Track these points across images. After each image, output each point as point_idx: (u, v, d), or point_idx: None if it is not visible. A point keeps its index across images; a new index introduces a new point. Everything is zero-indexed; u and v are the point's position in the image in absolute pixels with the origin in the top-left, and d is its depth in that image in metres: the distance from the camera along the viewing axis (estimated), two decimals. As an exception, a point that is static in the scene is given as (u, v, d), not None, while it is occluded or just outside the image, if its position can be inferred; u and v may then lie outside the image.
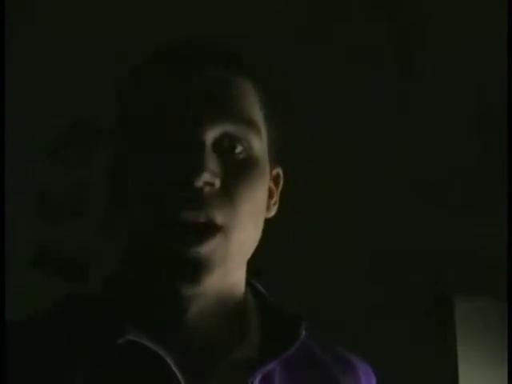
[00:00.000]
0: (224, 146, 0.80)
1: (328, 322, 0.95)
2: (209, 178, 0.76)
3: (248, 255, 0.85)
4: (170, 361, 0.78)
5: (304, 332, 0.85)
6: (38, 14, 1.99)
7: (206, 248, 0.77)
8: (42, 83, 1.93)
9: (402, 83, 1.94)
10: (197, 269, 0.77)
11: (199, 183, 0.76)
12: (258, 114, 0.84)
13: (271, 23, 1.93)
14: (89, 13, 1.97)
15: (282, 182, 0.92)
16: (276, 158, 0.89)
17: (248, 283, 0.89)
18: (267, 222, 0.88)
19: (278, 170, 0.91)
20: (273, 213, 0.90)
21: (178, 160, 0.77)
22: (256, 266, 0.88)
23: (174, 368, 0.78)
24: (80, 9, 1.97)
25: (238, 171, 0.80)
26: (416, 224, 1.87)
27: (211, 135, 0.79)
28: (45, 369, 0.78)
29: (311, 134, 1.84)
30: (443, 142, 1.92)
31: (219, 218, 0.78)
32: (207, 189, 0.77)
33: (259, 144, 0.83)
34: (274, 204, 0.90)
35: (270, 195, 0.89)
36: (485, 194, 1.88)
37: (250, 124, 0.82)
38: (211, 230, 0.77)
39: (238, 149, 0.81)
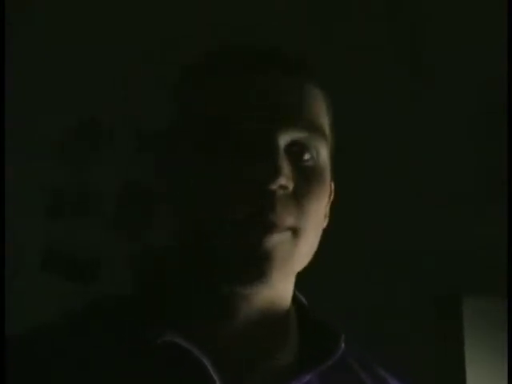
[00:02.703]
0: (294, 152, 0.80)
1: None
2: (284, 181, 0.77)
3: (304, 264, 0.84)
4: (206, 362, 0.78)
5: (343, 346, 0.84)
6: (37, 14, 1.98)
7: (274, 242, 0.77)
8: (43, 83, 1.93)
9: (402, 83, 1.94)
10: (264, 262, 0.77)
11: (275, 186, 0.76)
12: (325, 122, 0.85)
13: (271, 23, 1.93)
14: (89, 12, 1.97)
15: (332, 196, 0.91)
16: (332, 173, 0.88)
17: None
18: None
19: (332, 183, 0.90)
20: (325, 224, 0.89)
21: (253, 162, 0.77)
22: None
23: (210, 369, 0.77)
24: (80, 9, 1.97)
25: (306, 178, 0.81)
26: (416, 224, 1.87)
27: (284, 140, 0.79)
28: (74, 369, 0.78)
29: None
30: (443, 141, 1.92)
31: (289, 220, 0.78)
32: (281, 192, 0.77)
33: (325, 153, 0.84)
34: (325, 216, 0.89)
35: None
36: (485, 193, 1.88)
37: (320, 132, 0.82)
38: (279, 228, 0.78)
39: (306, 156, 0.81)
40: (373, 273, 1.85)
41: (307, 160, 0.81)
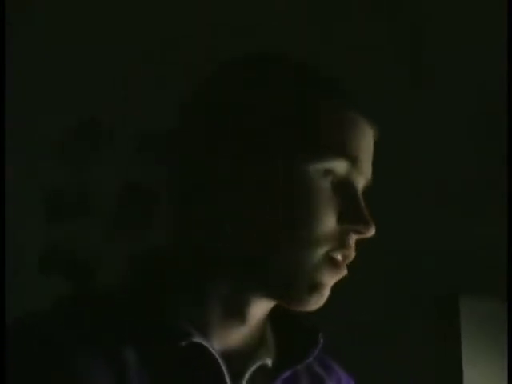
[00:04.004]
0: None
1: (326, 323, 0.95)
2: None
3: None
4: (222, 364, 0.80)
5: (321, 341, 0.87)
6: (38, 14, 1.98)
7: (333, 280, 0.83)
8: (43, 83, 1.93)
9: (402, 84, 1.94)
10: (323, 296, 0.82)
11: (365, 236, 0.83)
12: None
13: (271, 23, 1.93)
14: (89, 12, 1.97)
15: None
16: None
17: None
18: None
19: None
20: None
21: (347, 210, 0.81)
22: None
23: (224, 371, 0.80)
24: (80, 8, 1.97)
25: None
26: (416, 224, 1.86)
27: (360, 187, 0.85)
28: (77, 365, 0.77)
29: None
30: (443, 141, 1.91)
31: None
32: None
33: None
34: None
35: None
36: (485, 194, 1.87)
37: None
38: (343, 268, 0.83)
39: None
40: (372, 273, 1.85)
41: None
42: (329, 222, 0.80)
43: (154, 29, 1.93)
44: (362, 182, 0.85)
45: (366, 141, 0.85)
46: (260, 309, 0.85)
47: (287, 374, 0.85)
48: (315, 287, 0.81)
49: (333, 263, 0.82)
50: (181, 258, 0.85)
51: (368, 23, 1.96)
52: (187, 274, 0.84)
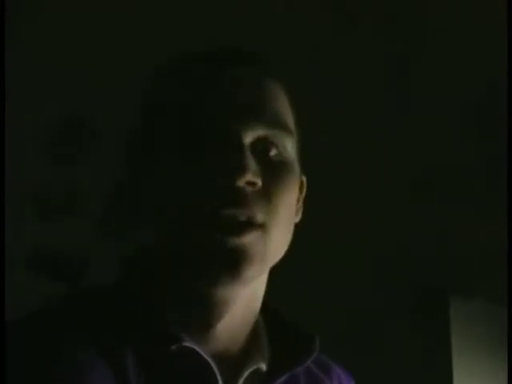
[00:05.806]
0: (259, 149, 0.81)
1: (320, 323, 0.94)
2: (251, 177, 0.77)
3: (277, 258, 0.84)
4: (215, 367, 0.79)
5: (318, 348, 0.86)
6: (37, 14, 1.99)
7: (245, 240, 0.77)
8: (30, 82, 1.94)
9: (402, 87, 1.93)
10: (236, 259, 0.77)
11: (242, 183, 0.77)
12: (289, 116, 0.85)
13: (271, 23, 1.93)
14: (87, 13, 1.97)
15: (304, 191, 0.92)
16: (301, 166, 0.89)
17: None
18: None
19: (303, 178, 0.91)
20: (298, 218, 0.90)
21: (218, 160, 0.78)
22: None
23: (217, 375, 0.79)
24: (79, 9, 1.98)
25: (274, 173, 0.81)
26: (415, 224, 1.86)
27: (250, 137, 0.80)
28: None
29: (311, 136, 1.83)
30: (442, 141, 1.90)
31: (259, 216, 0.78)
32: (249, 188, 0.78)
33: (292, 148, 0.84)
34: (298, 210, 0.90)
35: (296, 201, 0.89)
36: (485, 193, 1.86)
37: (285, 128, 0.83)
38: (251, 226, 0.78)
39: (273, 152, 0.82)
40: (372, 274, 1.84)
41: (274, 155, 0.82)
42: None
43: (141, 29, 1.94)
44: (249, 134, 0.80)
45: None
46: (238, 299, 0.82)
47: (283, 378, 0.84)
48: (233, 251, 0.77)
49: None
50: (166, 258, 0.83)
51: (368, 25, 1.96)
52: (173, 275, 0.83)
